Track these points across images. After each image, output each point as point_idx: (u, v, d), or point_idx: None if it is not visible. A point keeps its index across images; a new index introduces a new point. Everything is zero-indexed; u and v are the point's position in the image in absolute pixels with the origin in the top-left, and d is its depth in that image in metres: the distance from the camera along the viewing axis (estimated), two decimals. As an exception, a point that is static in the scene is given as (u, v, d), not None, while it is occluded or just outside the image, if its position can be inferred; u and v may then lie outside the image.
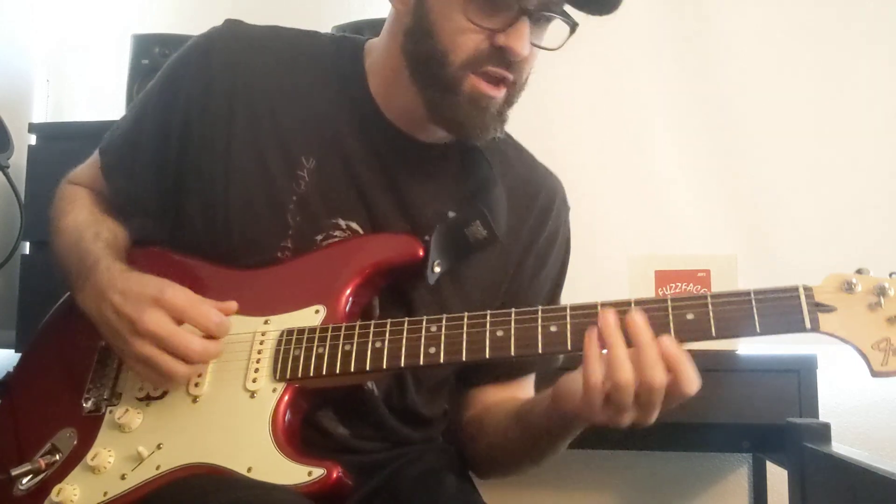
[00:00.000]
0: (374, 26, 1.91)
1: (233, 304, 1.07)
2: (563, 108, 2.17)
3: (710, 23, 2.17)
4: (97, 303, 1.06)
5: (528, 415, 1.10)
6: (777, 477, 1.97)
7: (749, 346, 1.69)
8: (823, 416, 1.56)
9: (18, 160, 1.78)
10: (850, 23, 2.11)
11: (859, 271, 0.94)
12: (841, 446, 1.37)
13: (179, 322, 1.02)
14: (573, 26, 1.07)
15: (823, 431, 1.41)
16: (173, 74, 1.19)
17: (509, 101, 1.09)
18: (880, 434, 2.01)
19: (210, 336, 1.04)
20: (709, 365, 1.62)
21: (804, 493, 1.40)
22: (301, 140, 1.14)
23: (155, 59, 1.94)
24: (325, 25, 1.93)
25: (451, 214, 1.15)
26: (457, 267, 1.14)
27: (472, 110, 1.05)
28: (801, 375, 1.61)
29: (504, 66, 1.04)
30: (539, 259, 1.22)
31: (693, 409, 1.60)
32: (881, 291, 0.92)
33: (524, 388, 1.25)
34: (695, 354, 1.62)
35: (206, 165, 1.15)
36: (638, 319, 0.91)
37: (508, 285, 1.20)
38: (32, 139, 1.91)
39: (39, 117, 2.26)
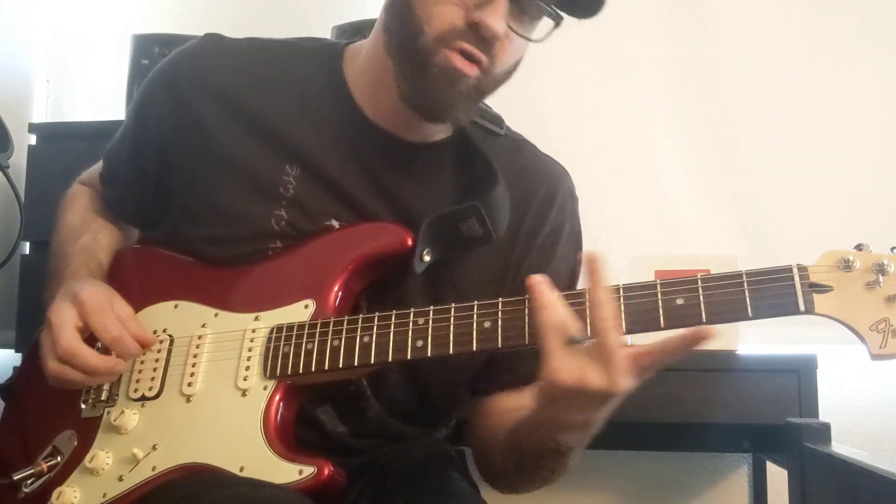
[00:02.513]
0: (374, 26, 1.91)
1: (152, 337, 1.09)
2: (562, 109, 2.17)
3: (710, 24, 2.16)
4: (50, 299, 1.10)
5: (518, 428, 1.05)
6: (777, 477, 1.97)
7: (749, 346, 1.69)
8: (823, 416, 1.55)
9: (18, 160, 1.78)
10: (847, 22, 2.10)
11: (858, 247, 0.90)
12: (841, 446, 1.36)
13: (83, 321, 1.04)
14: (557, 19, 1.06)
15: (823, 431, 1.41)
16: (146, 95, 1.21)
17: (481, 89, 1.06)
18: (880, 434, 2.01)
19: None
20: (709, 365, 1.64)
21: (804, 493, 1.40)
22: (280, 149, 1.13)
23: (155, 59, 1.93)
24: (326, 26, 1.93)
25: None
26: (454, 266, 1.13)
27: (443, 85, 1.03)
28: (801, 375, 1.60)
29: (477, 44, 1.02)
30: (543, 254, 1.19)
31: (693, 409, 1.62)
32: (880, 269, 0.87)
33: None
34: (694, 354, 1.63)
35: (187, 178, 1.16)
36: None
37: (512, 284, 1.17)
38: (32, 139, 1.91)
39: (39, 117, 2.26)
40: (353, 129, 1.15)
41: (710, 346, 1.62)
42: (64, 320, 1.03)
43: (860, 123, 2.07)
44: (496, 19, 1.00)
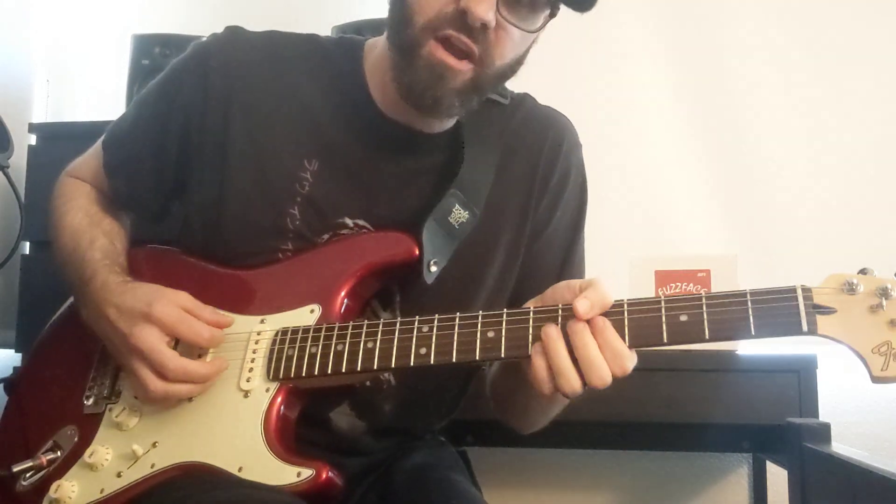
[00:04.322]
0: (374, 27, 1.91)
1: (229, 319, 1.08)
2: (562, 108, 2.16)
3: (711, 24, 2.16)
4: (96, 317, 1.09)
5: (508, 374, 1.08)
6: (777, 477, 1.97)
7: (749, 346, 1.68)
8: (823, 416, 1.56)
9: (18, 160, 1.78)
10: (849, 25, 2.11)
11: (863, 271, 0.90)
12: (841, 446, 1.36)
13: (170, 335, 1.04)
14: (553, 7, 1.04)
15: (823, 431, 1.41)
16: (171, 81, 1.20)
17: (478, 85, 1.05)
18: (880, 434, 2.01)
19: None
20: (709, 365, 1.64)
21: (804, 493, 1.40)
22: (301, 143, 1.14)
23: (155, 59, 1.94)
24: (325, 26, 1.93)
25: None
26: (475, 248, 1.13)
27: (429, 78, 1.02)
28: (801, 375, 1.61)
29: (466, 34, 1.00)
30: (552, 198, 1.20)
31: (693, 409, 1.62)
32: (884, 293, 0.87)
33: None
34: (694, 354, 1.64)
35: (206, 171, 1.16)
36: (574, 325, 0.92)
37: (529, 240, 1.19)
38: (32, 139, 1.91)
39: (39, 117, 2.26)
40: (368, 123, 1.15)
41: (711, 345, 1.65)
42: (155, 343, 1.02)
43: (860, 125, 2.07)
44: (483, 7, 0.98)
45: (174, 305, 1.05)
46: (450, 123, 1.17)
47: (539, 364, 0.92)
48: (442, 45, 1.01)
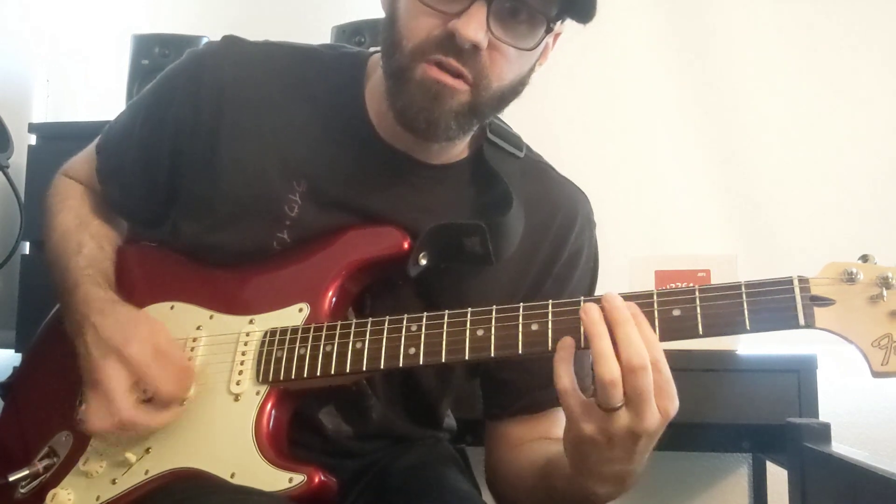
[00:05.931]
0: (374, 27, 1.91)
1: (193, 368, 1.03)
2: (563, 109, 2.17)
3: (710, 24, 2.17)
4: (76, 330, 1.07)
5: (551, 477, 1.01)
6: (777, 477, 1.97)
7: (749, 346, 1.69)
8: (823, 416, 1.55)
9: (18, 160, 1.78)
10: (848, 23, 2.11)
11: (864, 258, 0.86)
12: (841, 446, 1.36)
13: (135, 378, 1.00)
14: (547, 20, 0.99)
15: (823, 431, 1.41)
16: (163, 91, 1.16)
17: (475, 108, 1.00)
18: (880, 434, 2.01)
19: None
20: (709, 365, 1.64)
21: (804, 493, 1.40)
22: (289, 163, 1.10)
23: (155, 59, 1.94)
24: (326, 26, 1.93)
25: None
26: (458, 276, 1.10)
27: (423, 99, 0.98)
28: (801, 375, 1.61)
29: (456, 57, 0.96)
30: (559, 282, 1.15)
31: (693, 409, 1.62)
32: (884, 282, 0.83)
33: (553, 424, 1.14)
34: (694, 354, 1.64)
35: (197, 188, 1.13)
36: (613, 300, 0.86)
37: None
38: (32, 139, 1.92)
39: (39, 117, 2.26)
40: (361, 145, 1.10)
41: (711, 345, 1.65)
42: (117, 389, 0.99)
43: (860, 123, 2.07)
44: (472, 27, 0.94)
45: (150, 346, 1.01)
46: (454, 155, 1.13)
47: (563, 371, 0.87)
48: (435, 66, 0.98)
